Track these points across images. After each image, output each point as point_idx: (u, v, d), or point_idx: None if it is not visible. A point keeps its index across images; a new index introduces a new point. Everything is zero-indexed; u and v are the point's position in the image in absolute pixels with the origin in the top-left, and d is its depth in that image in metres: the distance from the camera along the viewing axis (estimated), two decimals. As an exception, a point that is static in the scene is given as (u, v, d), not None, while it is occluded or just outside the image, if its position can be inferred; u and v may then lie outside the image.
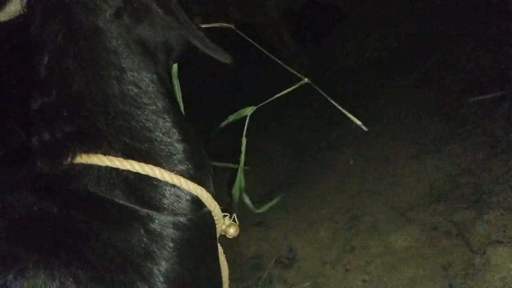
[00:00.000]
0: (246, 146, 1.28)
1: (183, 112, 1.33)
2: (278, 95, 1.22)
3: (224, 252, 1.26)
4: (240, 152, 1.33)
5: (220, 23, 1.36)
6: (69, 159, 0.98)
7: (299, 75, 1.21)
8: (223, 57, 1.10)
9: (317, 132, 3.71)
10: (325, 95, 1.19)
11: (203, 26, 1.33)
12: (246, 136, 1.26)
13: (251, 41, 1.29)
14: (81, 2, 0.99)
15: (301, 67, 4.65)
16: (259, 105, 1.23)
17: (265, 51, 1.27)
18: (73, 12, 0.99)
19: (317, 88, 1.19)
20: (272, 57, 1.25)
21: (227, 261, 1.25)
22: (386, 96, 3.41)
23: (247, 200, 1.49)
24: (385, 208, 2.43)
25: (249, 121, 1.33)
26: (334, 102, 1.19)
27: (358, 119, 1.18)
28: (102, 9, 1.00)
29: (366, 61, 4.04)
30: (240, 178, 1.36)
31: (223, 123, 1.29)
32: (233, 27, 1.35)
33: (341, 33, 4.64)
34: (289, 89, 1.22)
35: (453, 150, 2.49)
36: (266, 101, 1.23)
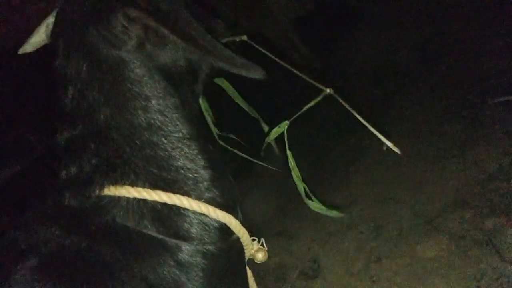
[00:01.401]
0: (294, 159, 1.23)
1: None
2: (304, 109, 1.17)
3: (249, 268, 1.24)
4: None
5: (232, 37, 1.32)
6: (97, 191, 0.97)
7: (320, 86, 1.15)
8: (256, 73, 0.99)
9: (334, 138, 3.67)
10: (349, 108, 1.12)
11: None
12: (290, 150, 1.22)
13: (267, 53, 1.24)
14: (103, 35, 0.98)
15: (314, 73, 4.62)
16: (292, 118, 1.18)
17: (282, 63, 1.21)
18: (95, 45, 0.99)
19: (341, 100, 1.12)
20: (290, 68, 1.20)
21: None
22: (404, 99, 3.36)
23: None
24: (410, 216, 2.38)
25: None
26: (359, 117, 1.12)
27: (389, 138, 1.10)
28: (124, 41, 0.98)
29: (382, 64, 3.98)
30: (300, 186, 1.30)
31: (264, 145, 1.25)
32: (246, 38, 1.31)
33: (354, 37, 4.59)
34: (313, 102, 1.16)
35: (477, 155, 2.43)
36: (297, 115, 1.18)
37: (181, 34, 0.95)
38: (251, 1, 4.42)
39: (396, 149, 1.07)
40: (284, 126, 1.18)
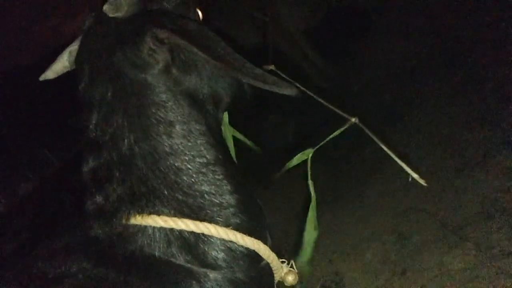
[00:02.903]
0: (314, 189, 1.22)
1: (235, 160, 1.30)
2: (329, 137, 1.17)
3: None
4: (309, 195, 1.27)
5: (259, 65, 1.33)
6: (123, 221, 0.96)
7: (346, 116, 1.15)
8: (288, 90, 0.95)
9: (351, 147, 3.62)
10: (375, 138, 1.12)
11: None
12: (311, 180, 1.21)
13: (294, 82, 1.24)
14: (130, 58, 0.97)
15: (327, 81, 4.59)
16: (317, 147, 1.17)
17: (309, 93, 1.22)
18: (122, 69, 0.98)
19: (367, 130, 1.13)
20: (317, 97, 1.21)
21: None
22: (422, 106, 3.30)
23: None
24: (435, 226, 2.33)
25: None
26: (385, 148, 1.11)
27: (410, 166, 1.07)
28: (151, 65, 0.98)
29: (397, 71, 3.93)
30: (312, 220, 1.30)
31: (284, 169, 1.24)
32: (273, 67, 1.32)
33: (368, 43, 4.54)
34: (338, 131, 1.16)
35: (501, 162, 2.37)
36: (321, 143, 1.17)
37: (212, 53, 0.93)
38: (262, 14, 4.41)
39: (422, 181, 1.05)
40: (308, 153, 1.17)
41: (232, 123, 1.28)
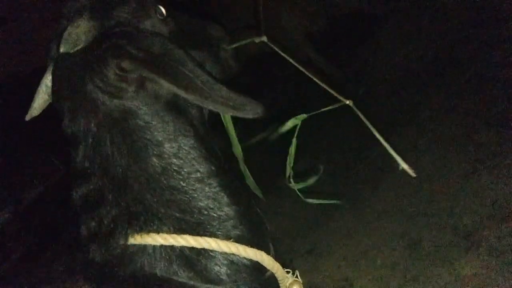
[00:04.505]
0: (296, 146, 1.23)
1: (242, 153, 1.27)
2: (320, 111, 1.16)
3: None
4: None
5: (251, 38, 1.28)
6: (122, 241, 0.94)
7: (340, 98, 1.12)
8: (254, 110, 0.93)
9: (361, 151, 3.59)
10: (368, 123, 1.09)
11: (233, 46, 1.28)
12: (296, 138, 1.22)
13: (286, 57, 1.21)
14: (101, 87, 0.95)
15: (332, 84, 4.54)
16: (310, 114, 1.18)
17: (304, 70, 1.18)
18: (98, 100, 0.96)
19: (360, 114, 1.10)
20: (311, 76, 1.16)
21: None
22: (430, 108, 3.25)
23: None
24: (445, 231, 2.28)
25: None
26: (377, 134, 1.08)
27: (403, 157, 1.04)
28: (123, 89, 0.95)
29: (403, 73, 3.88)
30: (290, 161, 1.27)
31: (278, 131, 1.22)
32: (265, 40, 1.27)
33: (374, 46, 4.50)
34: (331, 107, 1.14)
35: (511, 164, 2.32)
36: (312, 113, 1.17)
37: (176, 80, 0.91)
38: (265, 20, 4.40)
39: (411, 172, 1.02)
40: (300, 118, 1.17)
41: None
